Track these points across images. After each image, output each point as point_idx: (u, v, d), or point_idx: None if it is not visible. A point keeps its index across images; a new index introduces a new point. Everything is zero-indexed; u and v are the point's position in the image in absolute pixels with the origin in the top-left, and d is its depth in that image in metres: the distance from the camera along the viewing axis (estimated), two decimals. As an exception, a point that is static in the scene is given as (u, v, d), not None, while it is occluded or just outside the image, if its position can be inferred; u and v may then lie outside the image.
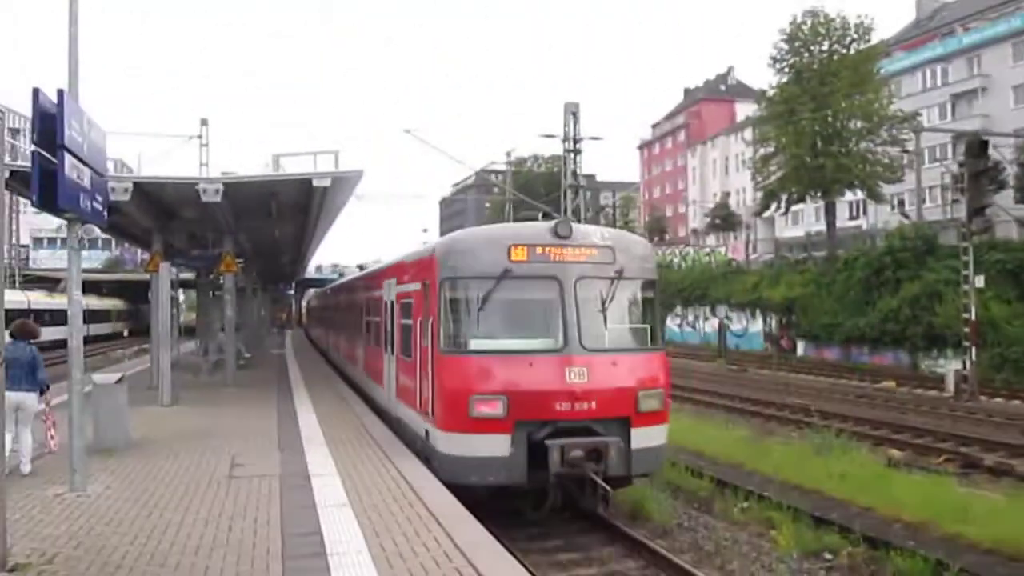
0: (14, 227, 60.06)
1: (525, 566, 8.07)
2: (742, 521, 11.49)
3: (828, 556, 9.86)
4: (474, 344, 10.13)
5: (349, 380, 21.32)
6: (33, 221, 62.80)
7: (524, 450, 9.52)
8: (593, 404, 9.68)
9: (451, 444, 9.84)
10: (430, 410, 10.41)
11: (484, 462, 9.57)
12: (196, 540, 6.90)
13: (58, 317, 39.37)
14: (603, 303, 10.35)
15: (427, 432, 10.60)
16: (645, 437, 10.12)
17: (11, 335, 9.80)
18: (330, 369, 26.85)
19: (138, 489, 8.89)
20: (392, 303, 13.82)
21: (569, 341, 9.84)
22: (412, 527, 7.30)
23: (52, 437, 10.37)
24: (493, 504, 9.52)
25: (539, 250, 10.21)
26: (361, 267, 36.34)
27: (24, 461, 9.67)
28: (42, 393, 10.01)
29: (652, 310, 11.39)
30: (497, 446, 9.50)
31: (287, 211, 20.44)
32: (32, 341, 10.21)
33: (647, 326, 11.10)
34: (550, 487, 9.52)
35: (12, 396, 8.77)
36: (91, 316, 48.43)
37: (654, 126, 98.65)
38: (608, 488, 9.49)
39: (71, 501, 8.34)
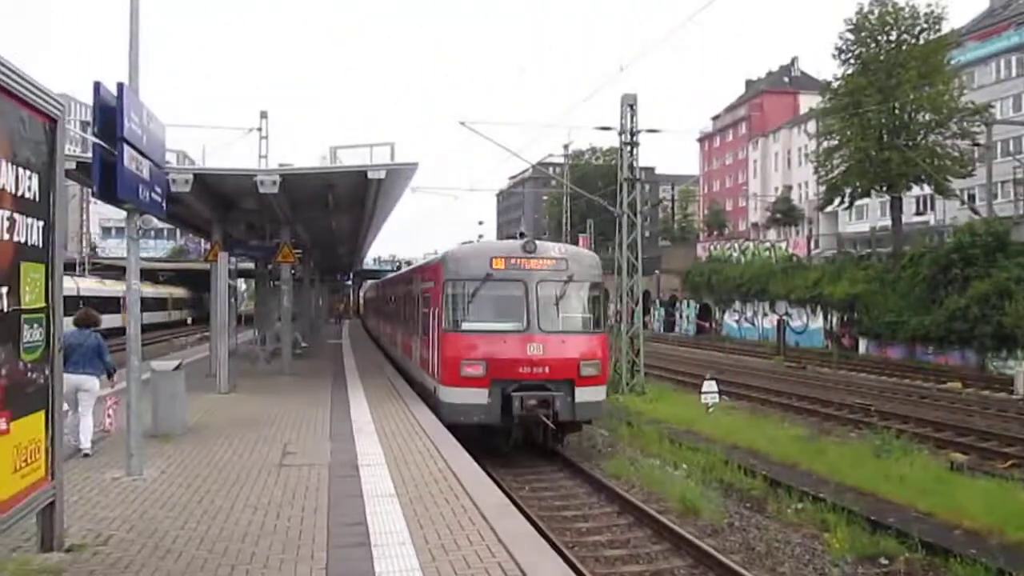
0: (84, 217, 62.15)
1: (568, 560, 8.05)
2: (795, 522, 11.26)
3: (884, 561, 9.60)
4: (465, 325, 14.00)
5: (393, 361, 24.50)
6: (102, 211, 64.84)
7: (498, 400, 13.24)
8: (547, 369, 13.44)
9: (448, 395, 13.75)
10: (436, 372, 14.39)
11: (470, 407, 13.35)
12: (244, 527, 7.01)
13: (108, 305, 40.22)
14: (556, 299, 14.10)
15: (434, 388, 14.51)
16: (586, 394, 13.77)
17: (75, 323, 10.46)
18: (382, 358, 27.14)
19: (192, 475, 9.07)
20: (418, 296, 18.01)
21: (530, 324, 13.62)
22: (456, 519, 7.31)
23: (109, 417, 10.94)
24: (483, 441, 13.27)
25: (512, 261, 14.10)
26: (408, 263, 42.52)
27: (84, 441, 10.13)
28: (109, 376, 10.70)
29: (596, 304, 14.90)
30: (479, 396, 13.30)
31: (343, 203, 20.66)
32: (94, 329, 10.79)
33: (591, 315, 14.68)
34: (514, 427, 13.49)
35: (73, 379, 9.53)
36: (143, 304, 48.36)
37: (715, 118, 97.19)
38: (555, 427, 13.61)
39: (127, 485, 8.55)
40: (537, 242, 14.80)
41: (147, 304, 52.88)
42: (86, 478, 8.79)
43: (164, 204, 9.92)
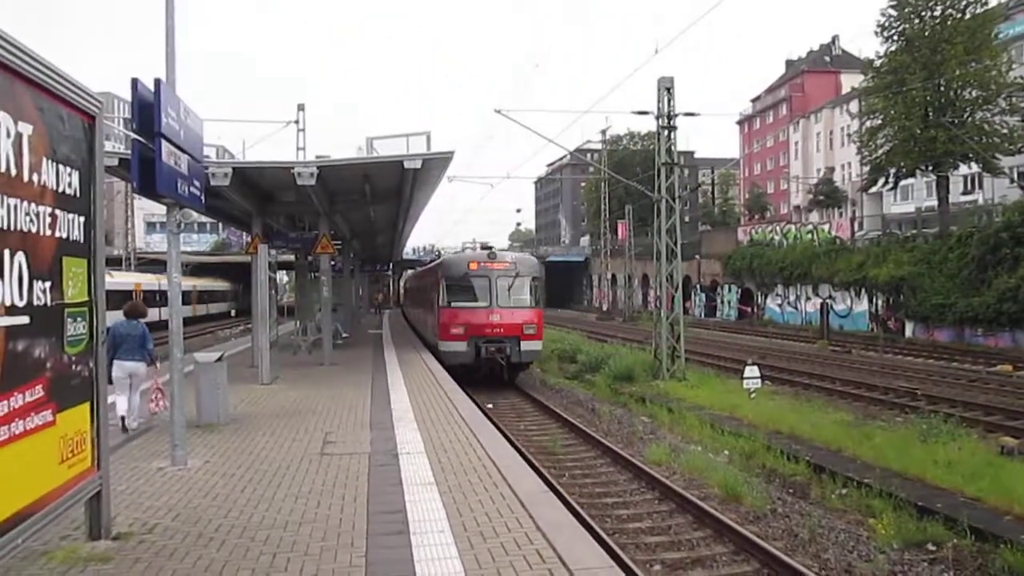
0: (129, 212, 63.32)
1: (608, 548, 8.03)
2: (840, 508, 11.12)
3: (932, 547, 9.41)
4: (453, 304, 22.18)
5: (416, 332, 34.20)
6: (146, 206, 66.03)
7: (473, 348, 21.36)
8: (502, 330, 21.59)
9: (444, 346, 21.97)
10: (436, 333, 22.79)
11: (456, 353, 21.47)
12: (285, 515, 7.09)
13: (110, 299, 39.83)
14: (508, 287, 22.13)
15: (436, 343, 23.12)
16: (527, 345, 21.97)
17: (124, 314, 11.76)
18: (420, 344, 27.39)
19: (234, 464, 9.21)
20: (428, 286, 26.74)
21: (492, 303, 21.78)
22: (495, 507, 7.31)
23: (153, 401, 11.63)
24: (465, 376, 20.08)
25: (481, 264, 22.34)
26: (440, 253, 52.19)
27: (132, 418, 11.39)
28: (151, 363, 11.65)
29: (534, 290, 22.92)
30: (461, 346, 21.49)
31: (380, 193, 20.81)
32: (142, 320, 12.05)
33: (531, 297, 22.65)
34: (483, 364, 21.46)
35: (127, 365, 11.22)
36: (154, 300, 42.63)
37: (754, 100, 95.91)
38: (508, 366, 21.85)
39: (172, 474, 8.70)
40: (497, 252, 23.67)
41: (161, 300, 46.27)
42: (132, 468, 8.97)
43: (203, 198, 10.05)
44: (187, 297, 51.75)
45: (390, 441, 10.46)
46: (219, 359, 12.07)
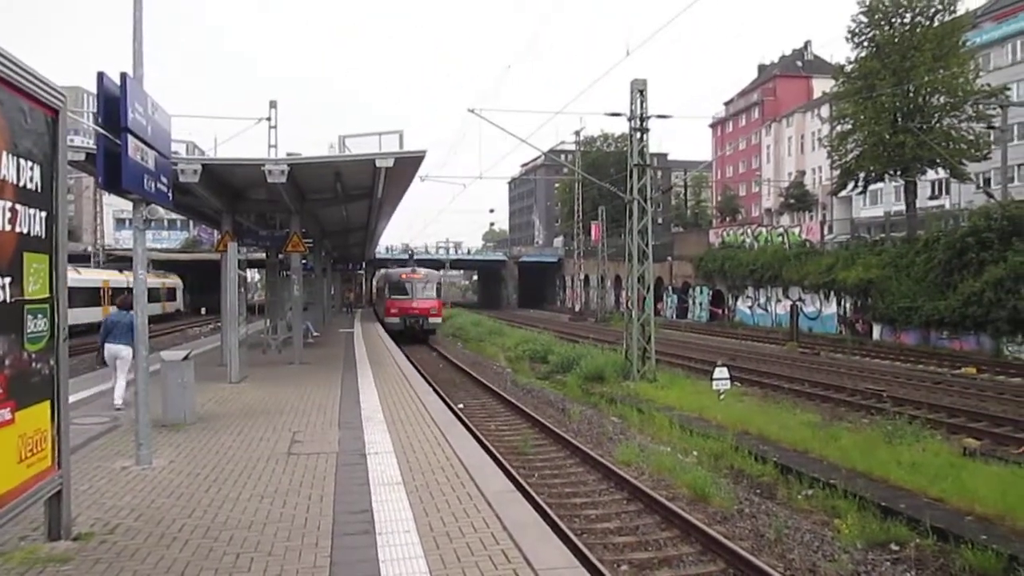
0: (97, 208, 62.48)
1: (574, 548, 8.05)
2: (806, 509, 11.24)
3: (895, 547, 9.54)
4: (392, 297, 40.78)
5: (377, 316, 49.73)
6: (116, 202, 65.16)
7: (402, 322, 39.48)
8: (417, 311, 39.94)
9: (387, 320, 40.30)
10: (384, 313, 42.34)
11: (394, 323, 39.47)
12: (251, 515, 7.02)
13: (75, 297, 38.45)
14: (422, 288, 40.49)
15: (383, 319, 42.25)
16: (432, 320, 40.81)
17: (117, 306, 13.88)
18: (393, 345, 27.32)
19: (200, 464, 9.11)
20: (382, 287, 48.91)
21: (412, 296, 40.14)
22: (462, 507, 7.30)
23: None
24: (397, 337, 35.25)
25: (407, 275, 41.24)
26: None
27: (117, 396, 12.61)
28: None
29: (437, 290, 41.78)
30: (396, 320, 39.65)
31: (352, 191, 20.71)
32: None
33: (435, 294, 41.06)
34: (406, 330, 39.19)
35: (112, 347, 12.83)
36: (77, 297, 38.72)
37: (727, 103, 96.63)
38: (422, 332, 40.45)
39: (136, 474, 8.59)
40: (415, 268, 42.52)
41: (85, 297, 44.19)
42: (96, 467, 8.84)
43: (171, 194, 9.93)
44: (93, 297, 46.05)
45: (358, 440, 10.41)
46: (186, 357, 11.94)
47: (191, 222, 69.60)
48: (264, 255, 28.07)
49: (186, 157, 17.26)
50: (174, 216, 64.04)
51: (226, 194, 19.56)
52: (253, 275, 65.29)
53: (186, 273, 69.93)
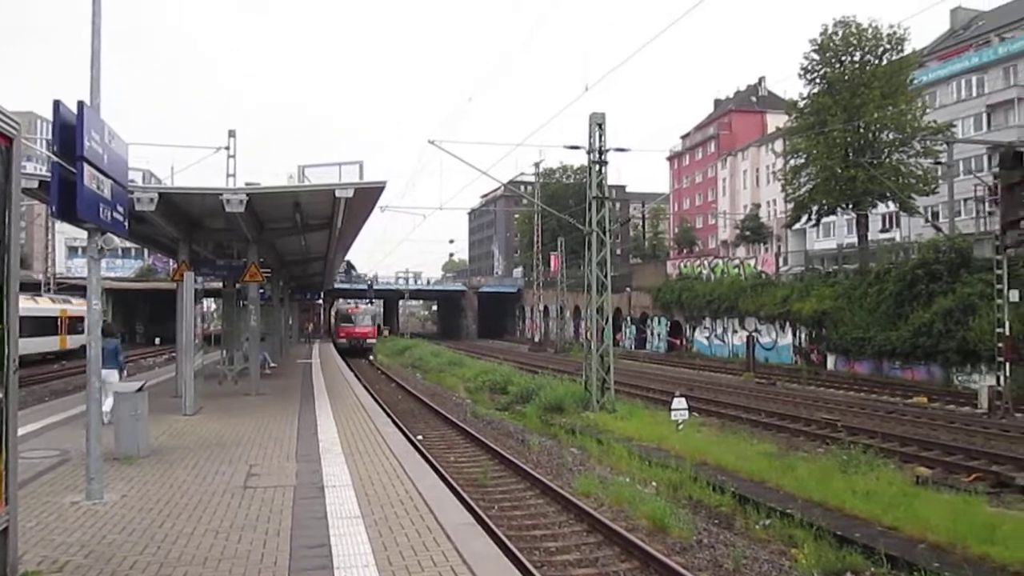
0: (49, 236, 61.27)
1: (536, 582, 8.00)
2: (763, 538, 11.30)
3: (850, 576, 9.64)
4: (341, 325, 59.92)
5: (334, 342, 59.67)
6: (68, 230, 63.93)
7: (348, 342, 56.37)
8: (358, 335, 57.68)
9: (338, 341, 58.10)
10: (336, 335, 61.74)
11: (343, 344, 55.88)
12: (205, 551, 6.89)
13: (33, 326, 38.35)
14: (361, 319, 59.10)
15: (335, 340, 60.07)
16: (369, 341, 58.21)
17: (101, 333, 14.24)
18: (352, 376, 27.05)
19: (153, 498, 8.92)
20: (335, 317, 68.06)
21: (356, 325, 58.25)
22: (422, 540, 7.24)
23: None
24: (345, 354, 47.33)
25: (353, 308, 61.27)
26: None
27: (105, 413, 11.98)
28: (121, 372, 14.82)
29: (373, 319, 62.13)
30: (345, 340, 56.73)
31: (312, 221, 20.59)
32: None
33: (371, 322, 60.60)
34: (351, 348, 54.57)
35: (101, 372, 13.17)
36: (34, 326, 39.94)
37: (684, 137, 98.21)
38: (363, 348, 56.46)
39: (86, 509, 8.39)
40: (357, 303, 65.42)
41: (41, 325, 43.08)
42: (44, 503, 8.62)
43: (127, 223, 9.83)
44: (50, 326, 45.09)
45: (316, 473, 10.28)
46: (140, 388, 11.72)
47: (146, 250, 68.49)
48: (221, 284, 27.72)
49: (143, 186, 17.02)
50: (128, 244, 62.82)
51: (183, 223, 19.33)
52: (209, 304, 64.38)
53: (139, 301, 68.72)
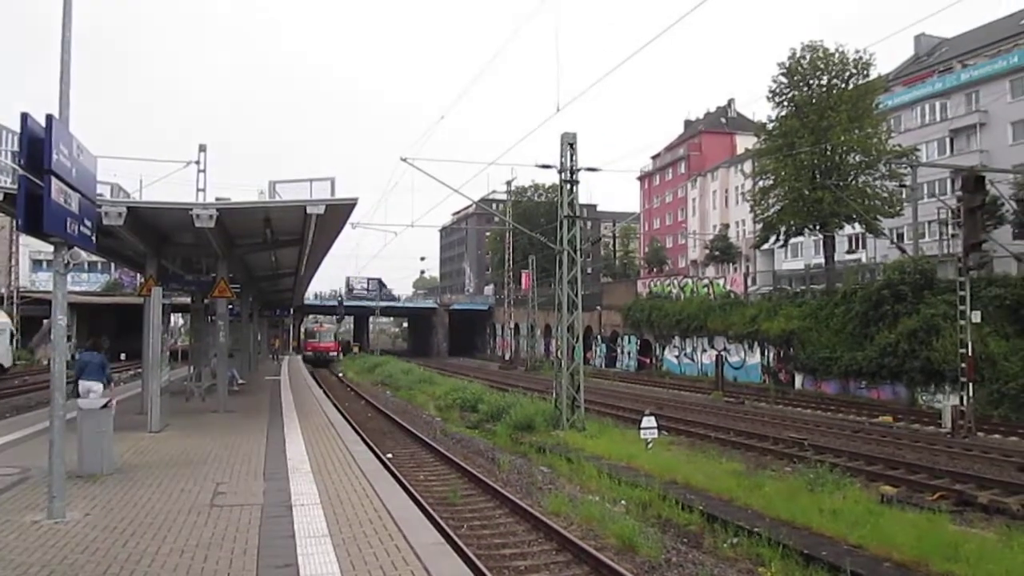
0: (13, 249, 60.30)
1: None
2: (731, 557, 11.34)
3: (817, 594, 9.70)
4: (307, 341, 77.09)
5: (300, 350, 76.58)
6: (33, 243, 62.95)
7: (314, 354, 69.75)
8: (322, 348, 72.07)
9: (305, 353, 70.90)
10: (303, 349, 75.60)
11: (308, 356, 69.07)
12: (170, 570, 6.80)
13: None
14: (325, 335, 76.12)
15: (303, 354, 71.14)
16: (331, 353, 72.23)
17: (88, 348, 16.45)
18: (321, 393, 26.84)
19: (117, 517, 8.78)
20: (303, 333, 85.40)
21: (321, 340, 74.18)
22: (390, 559, 7.20)
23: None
24: (311, 365, 61.07)
25: (317, 326, 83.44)
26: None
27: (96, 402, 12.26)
28: (107, 384, 15.28)
29: (334, 335, 78.50)
30: (311, 353, 70.57)
31: (282, 238, 20.47)
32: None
33: (332, 339, 76.09)
34: (316, 360, 67.15)
35: (86, 383, 14.73)
36: None
37: (654, 157, 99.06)
38: (325, 360, 69.34)
39: (48, 528, 8.23)
40: (324, 323, 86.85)
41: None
42: (5, 522, 8.45)
43: (94, 237, 9.71)
44: None
45: (284, 492, 10.18)
46: (105, 405, 11.54)
47: (112, 264, 67.64)
48: (189, 299, 27.43)
49: (111, 199, 16.87)
50: (95, 258, 62.13)
51: (151, 238, 19.13)
52: (177, 320, 63.58)
53: (104, 316, 67.67)
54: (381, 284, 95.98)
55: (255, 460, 12.81)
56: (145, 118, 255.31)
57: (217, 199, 19.81)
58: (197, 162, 24.37)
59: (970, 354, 24.42)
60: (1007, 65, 48.37)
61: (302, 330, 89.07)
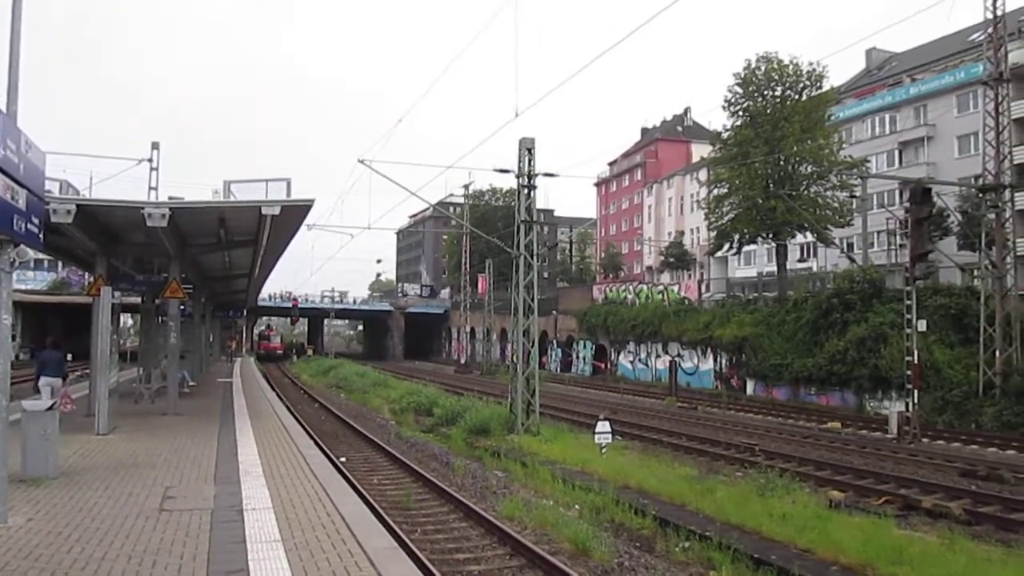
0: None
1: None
2: (683, 561, 11.44)
3: (766, 598, 9.84)
4: (260, 341, 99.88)
5: (258, 356, 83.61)
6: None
7: (266, 352, 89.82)
8: (274, 349, 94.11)
9: (259, 352, 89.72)
10: (257, 348, 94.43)
11: (261, 353, 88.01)
12: (116, 576, 6.66)
13: None
14: (274, 337, 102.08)
15: (256, 352, 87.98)
16: (279, 351, 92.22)
17: (48, 346, 18.54)
18: (274, 396, 26.54)
19: (62, 522, 8.59)
20: (258, 336, 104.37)
21: (271, 341, 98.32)
22: (343, 564, 7.14)
23: (66, 404, 14.37)
24: (264, 362, 73.88)
25: (270, 330, 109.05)
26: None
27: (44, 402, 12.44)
28: (64, 379, 17.19)
29: (281, 338, 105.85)
30: (263, 351, 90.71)
31: (236, 238, 20.23)
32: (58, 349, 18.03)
33: (280, 341, 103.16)
34: (268, 357, 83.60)
35: (48, 379, 16.59)
36: None
37: (611, 164, 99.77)
38: (275, 357, 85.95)
39: (-11, 533, 8.03)
40: (273, 328, 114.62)
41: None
42: (-57, 527, 8.21)
43: (42, 235, 9.49)
44: None
45: (235, 496, 10.05)
46: (50, 407, 11.27)
47: (60, 263, 66.11)
48: (139, 299, 26.92)
49: (60, 197, 16.44)
50: (41, 256, 60.67)
51: (101, 236, 18.76)
52: (126, 320, 62.36)
53: (51, 316, 66.17)
54: (433, 291, 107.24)
55: (206, 464, 12.62)
56: (104, 115, 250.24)
57: (170, 198, 19.49)
58: (150, 160, 23.93)
59: (916, 362, 25.00)
60: (954, 80, 49.64)
61: (256, 333, 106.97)
